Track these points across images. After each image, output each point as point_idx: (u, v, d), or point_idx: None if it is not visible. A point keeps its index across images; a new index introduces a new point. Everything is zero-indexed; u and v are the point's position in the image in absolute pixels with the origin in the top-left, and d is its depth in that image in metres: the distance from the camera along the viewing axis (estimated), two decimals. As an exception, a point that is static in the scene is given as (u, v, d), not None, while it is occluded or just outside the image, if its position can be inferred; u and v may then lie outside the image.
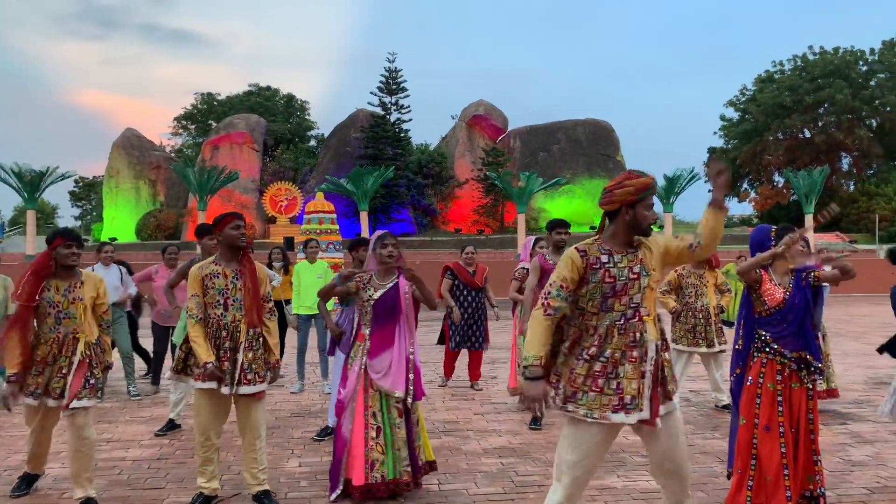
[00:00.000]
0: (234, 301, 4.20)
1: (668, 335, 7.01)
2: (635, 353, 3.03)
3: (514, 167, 43.86)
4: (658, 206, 43.63)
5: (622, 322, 3.04)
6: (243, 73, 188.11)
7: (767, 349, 3.94)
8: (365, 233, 31.09)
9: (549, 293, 3.08)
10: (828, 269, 4.24)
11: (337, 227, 21.89)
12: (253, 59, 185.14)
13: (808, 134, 53.68)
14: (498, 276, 10.51)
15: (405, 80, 44.59)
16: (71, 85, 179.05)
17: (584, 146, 46.96)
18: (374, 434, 4.25)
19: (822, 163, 44.61)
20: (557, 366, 3.15)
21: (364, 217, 34.78)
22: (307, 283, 7.82)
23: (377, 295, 4.40)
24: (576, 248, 3.13)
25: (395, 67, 44.23)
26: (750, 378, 3.94)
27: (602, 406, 3.00)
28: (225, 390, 4.13)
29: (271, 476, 4.84)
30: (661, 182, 39.24)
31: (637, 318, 3.06)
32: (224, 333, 4.17)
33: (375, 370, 4.32)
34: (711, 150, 58.90)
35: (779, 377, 3.89)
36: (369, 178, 34.35)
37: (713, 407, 6.87)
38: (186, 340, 4.31)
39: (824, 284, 4.16)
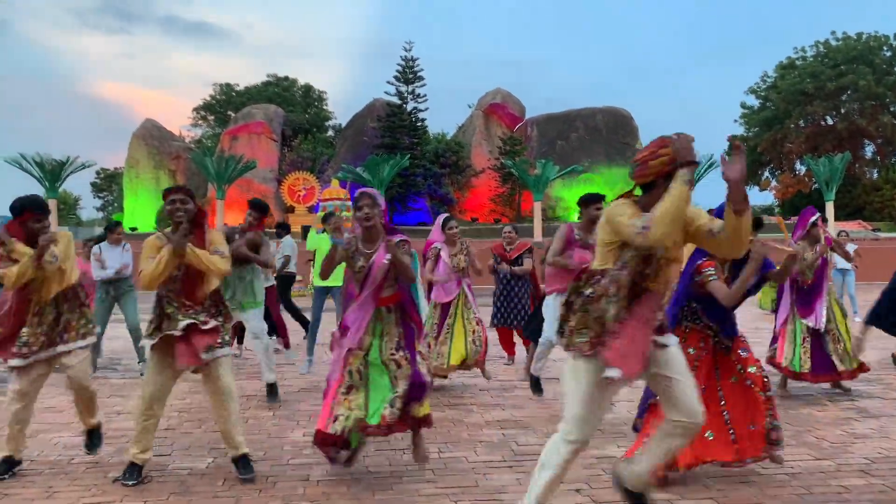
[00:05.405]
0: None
1: None
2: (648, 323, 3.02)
3: (532, 156, 43.73)
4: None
5: (647, 283, 3.03)
6: (262, 64, 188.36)
7: (696, 320, 4.26)
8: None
9: (636, 225, 2.86)
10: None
11: (351, 213, 22.05)
12: (271, 50, 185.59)
13: (830, 121, 52.91)
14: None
15: (422, 70, 44.54)
16: (92, 77, 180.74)
17: (602, 134, 46.69)
18: (343, 391, 4.17)
19: (844, 150, 43.92)
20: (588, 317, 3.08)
21: (380, 206, 34.86)
22: (324, 252, 7.91)
23: (367, 267, 4.29)
24: (631, 205, 3.00)
25: (412, 56, 44.17)
26: None
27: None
28: (176, 332, 4.09)
29: (276, 445, 4.96)
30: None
31: (660, 281, 3.04)
32: (183, 310, 4.14)
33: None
34: (732, 138, 58.28)
35: (701, 344, 4.23)
36: (385, 166, 34.42)
37: None
38: (158, 305, 4.23)
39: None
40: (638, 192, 3.11)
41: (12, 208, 4.23)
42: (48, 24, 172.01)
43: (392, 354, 4.22)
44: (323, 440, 4.12)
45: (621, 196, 3.13)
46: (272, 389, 6.35)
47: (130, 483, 4.11)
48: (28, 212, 4.19)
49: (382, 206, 4.39)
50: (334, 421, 4.08)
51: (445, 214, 7.31)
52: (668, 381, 3.14)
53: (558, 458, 3.13)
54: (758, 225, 4.50)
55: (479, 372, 7.08)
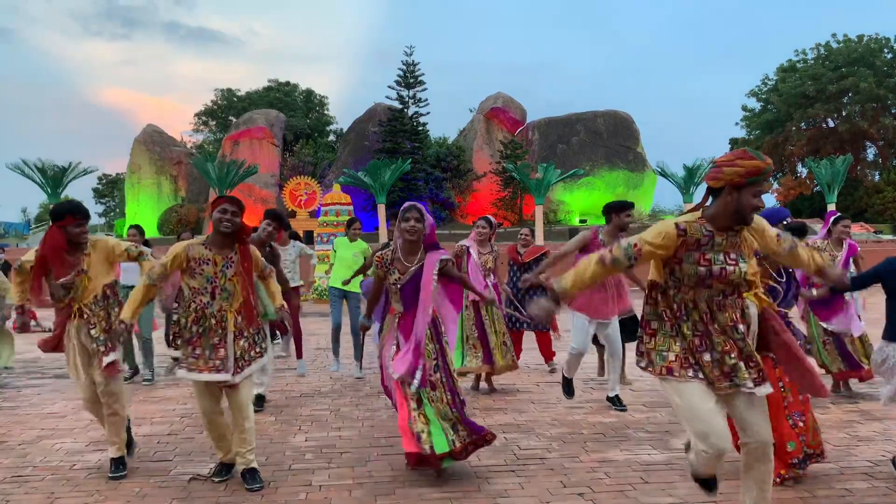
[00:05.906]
0: (221, 290, 4.09)
1: None
2: (740, 328, 2.99)
3: (533, 160, 43.75)
4: (678, 197, 42.99)
5: (721, 298, 2.98)
6: (263, 69, 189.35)
7: None
8: (382, 226, 31.17)
9: (618, 244, 3.01)
10: None
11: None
12: (272, 55, 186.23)
13: (831, 123, 52.90)
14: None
15: (423, 74, 44.58)
16: (94, 83, 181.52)
17: (603, 138, 46.68)
18: (414, 405, 4.21)
19: (845, 152, 43.84)
20: (657, 340, 3.08)
21: (382, 210, 34.88)
22: (342, 256, 7.99)
23: (403, 280, 4.29)
24: (675, 223, 2.98)
25: (413, 61, 44.22)
26: None
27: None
28: (220, 377, 4.06)
29: (278, 450, 4.95)
30: (680, 172, 38.57)
31: (737, 294, 3.01)
32: (213, 322, 4.09)
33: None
34: (734, 141, 58.24)
35: None
36: (387, 170, 34.45)
37: None
38: (176, 323, 4.28)
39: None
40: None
41: (53, 213, 4.24)
42: (51, 31, 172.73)
43: (430, 375, 4.27)
44: (419, 461, 4.20)
45: (699, 204, 3.08)
46: (258, 400, 6.19)
47: (217, 480, 4.25)
48: (70, 216, 4.21)
49: (430, 221, 4.37)
50: (419, 440, 4.12)
51: (484, 216, 7.32)
52: (739, 398, 3.02)
53: (701, 464, 3.09)
54: (802, 232, 4.36)
55: (479, 375, 7.05)
